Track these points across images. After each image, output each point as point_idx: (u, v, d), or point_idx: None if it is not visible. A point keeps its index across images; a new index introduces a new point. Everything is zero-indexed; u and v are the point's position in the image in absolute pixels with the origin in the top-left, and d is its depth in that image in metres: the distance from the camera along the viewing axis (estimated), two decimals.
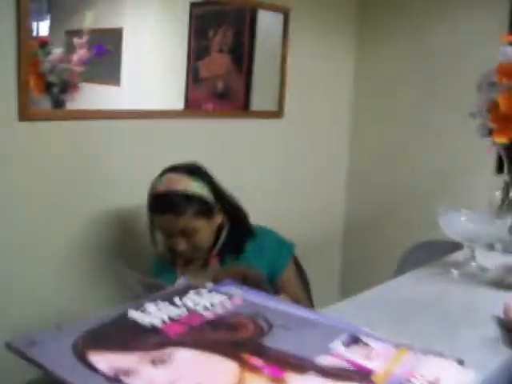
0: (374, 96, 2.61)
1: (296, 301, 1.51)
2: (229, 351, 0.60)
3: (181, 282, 1.28)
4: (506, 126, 1.24)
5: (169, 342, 0.61)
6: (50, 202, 1.62)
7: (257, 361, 0.59)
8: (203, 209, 1.45)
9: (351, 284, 2.69)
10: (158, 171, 1.50)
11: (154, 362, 0.57)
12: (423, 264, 1.39)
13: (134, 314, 0.68)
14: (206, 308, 0.71)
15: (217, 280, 1.28)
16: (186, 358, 0.59)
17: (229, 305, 0.73)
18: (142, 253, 1.69)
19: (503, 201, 1.41)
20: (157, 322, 0.66)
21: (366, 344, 0.65)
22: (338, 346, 0.64)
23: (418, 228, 2.35)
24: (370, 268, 2.56)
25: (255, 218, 1.60)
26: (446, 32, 2.35)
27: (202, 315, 0.69)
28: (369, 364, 0.61)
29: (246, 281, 1.33)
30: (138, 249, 1.75)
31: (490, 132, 1.35)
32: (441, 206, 1.29)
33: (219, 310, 0.71)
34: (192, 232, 1.44)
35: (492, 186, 2.17)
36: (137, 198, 1.62)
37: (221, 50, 2.04)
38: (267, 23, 2.17)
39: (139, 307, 0.69)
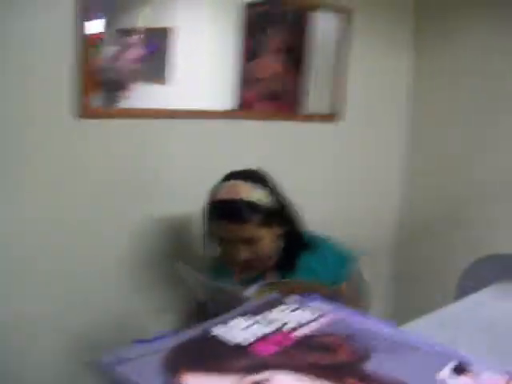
0: (434, 96, 2.52)
1: None
2: (332, 376, 0.55)
3: (251, 290, 1.24)
4: None
5: (265, 365, 0.56)
6: (103, 202, 1.59)
7: None
8: (267, 218, 1.40)
9: (401, 295, 2.61)
10: (209, 173, 1.46)
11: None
12: (490, 279, 1.31)
13: (219, 331, 0.63)
14: (295, 326, 0.66)
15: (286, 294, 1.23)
16: (287, 383, 0.53)
17: (319, 323, 0.67)
18: (195, 258, 1.64)
19: None
20: (245, 341, 0.61)
21: (476, 374, 0.59)
22: (446, 375, 0.58)
23: (480, 239, 2.26)
24: (425, 280, 2.48)
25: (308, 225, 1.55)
26: None
27: (292, 334, 0.64)
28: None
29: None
30: (191, 254, 1.72)
31: None
32: None
33: (310, 329, 0.65)
34: (255, 241, 1.39)
35: None
36: (188, 201, 1.58)
37: (276, 51, 1.99)
38: (325, 24, 2.11)
39: (223, 323, 0.64)
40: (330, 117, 2.20)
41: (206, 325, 0.64)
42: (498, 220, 2.27)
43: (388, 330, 0.67)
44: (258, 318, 0.67)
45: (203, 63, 1.80)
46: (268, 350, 0.59)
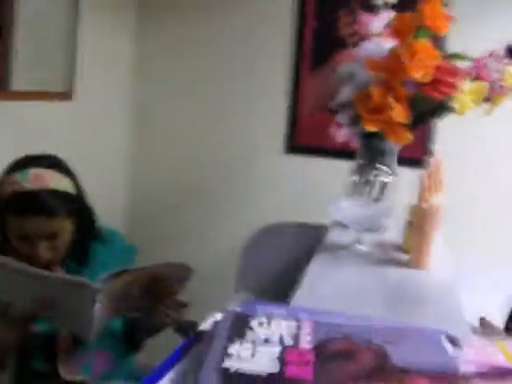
0: (158, 77, 2.61)
1: None
2: (389, 380, 0.52)
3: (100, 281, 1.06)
4: (377, 115, 1.33)
5: None
6: None
7: (422, 381, 0.52)
8: (72, 208, 1.26)
9: None
10: None
11: None
12: (275, 247, 1.42)
13: (236, 365, 0.54)
14: (293, 341, 0.60)
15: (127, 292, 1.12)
16: None
17: (310, 331, 0.63)
18: None
19: (359, 184, 1.51)
20: (275, 368, 0.53)
21: (468, 343, 0.64)
22: (453, 349, 0.61)
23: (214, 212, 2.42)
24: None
25: None
26: (237, 14, 2.45)
27: (300, 348, 0.58)
28: (499, 361, 0.59)
29: (165, 281, 1.19)
30: None
31: (355, 121, 1.44)
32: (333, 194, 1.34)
33: (310, 339, 0.61)
34: (58, 235, 1.24)
35: (281, 166, 2.42)
36: None
37: None
38: None
39: (223, 353, 0.55)
40: (60, 95, 2.10)
41: (208, 358, 0.54)
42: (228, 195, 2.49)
43: (363, 321, 0.67)
44: (248, 339, 0.59)
45: None
46: (305, 372, 0.53)
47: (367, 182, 1.49)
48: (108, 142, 2.49)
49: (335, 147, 2.34)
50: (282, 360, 0.55)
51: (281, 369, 0.53)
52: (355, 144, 1.55)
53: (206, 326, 0.66)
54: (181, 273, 1.21)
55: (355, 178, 1.50)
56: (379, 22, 1.48)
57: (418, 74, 1.27)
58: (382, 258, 1.28)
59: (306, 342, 0.59)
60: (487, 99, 1.35)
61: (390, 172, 1.48)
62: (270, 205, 2.42)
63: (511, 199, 2.20)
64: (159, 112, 2.62)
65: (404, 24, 1.27)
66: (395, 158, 1.50)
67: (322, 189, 2.34)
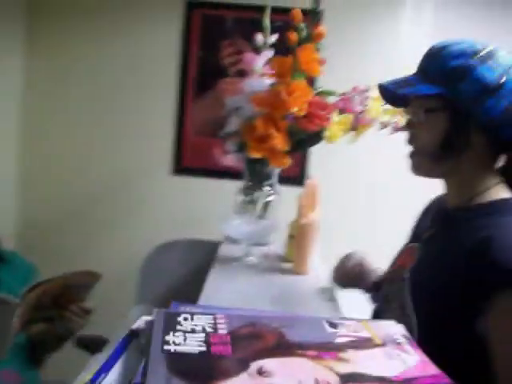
0: (46, 96, 2.63)
1: None
2: (288, 353, 0.71)
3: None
4: (261, 144, 1.54)
5: (244, 359, 0.68)
6: None
7: (311, 353, 0.72)
8: None
9: None
10: None
11: (259, 373, 0.64)
12: (172, 262, 1.59)
13: (176, 348, 0.70)
14: (213, 328, 0.77)
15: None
16: (274, 366, 0.67)
17: (223, 322, 0.80)
18: None
19: (246, 202, 1.72)
20: (203, 348, 0.70)
21: (341, 324, 0.84)
22: (331, 329, 0.81)
23: (100, 230, 2.52)
24: None
25: None
26: (125, 40, 2.57)
27: (219, 334, 0.75)
28: (363, 334, 0.80)
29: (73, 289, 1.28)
30: None
31: (241, 148, 1.64)
32: (223, 212, 1.52)
33: (227, 327, 0.78)
34: None
35: (169, 186, 2.58)
36: None
37: None
38: None
39: (163, 343, 0.71)
40: None
41: (152, 346, 0.69)
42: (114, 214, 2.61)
43: (263, 313, 0.86)
44: (178, 330, 0.75)
45: None
46: (225, 349, 0.70)
47: (253, 201, 1.69)
48: None
49: (219, 168, 2.55)
50: (207, 342, 0.71)
51: (207, 348, 0.70)
52: (241, 167, 1.74)
53: (138, 325, 0.81)
54: (88, 279, 1.32)
55: (242, 197, 1.69)
56: (261, 60, 1.69)
57: (295, 109, 1.49)
58: (269, 267, 1.49)
59: (223, 329, 0.76)
60: (354, 128, 1.61)
61: (272, 192, 1.69)
62: (160, 224, 2.56)
63: (374, 213, 2.54)
64: (48, 137, 2.67)
65: (284, 67, 1.49)
66: (276, 180, 1.72)
67: (209, 207, 2.53)
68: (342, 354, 0.71)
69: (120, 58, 2.63)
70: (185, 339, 0.72)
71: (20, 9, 2.56)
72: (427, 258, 1.14)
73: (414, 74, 1.15)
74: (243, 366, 0.65)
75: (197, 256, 1.81)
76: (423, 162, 1.13)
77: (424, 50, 1.16)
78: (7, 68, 2.55)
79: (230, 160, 1.72)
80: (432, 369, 0.70)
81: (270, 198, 1.67)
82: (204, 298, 1.17)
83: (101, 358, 1.43)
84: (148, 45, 2.62)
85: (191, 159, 2.72)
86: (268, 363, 0.67)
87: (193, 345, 0.70)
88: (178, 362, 0.65)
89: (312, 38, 1.48)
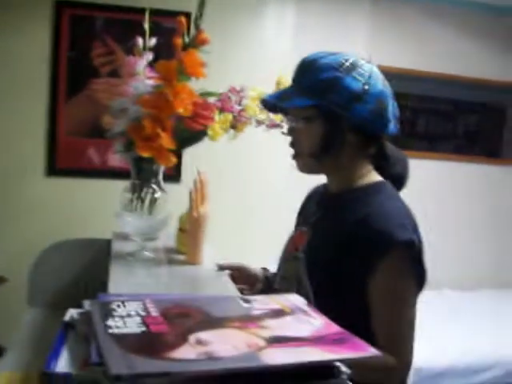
0: None
1: None
2: (216, 326, 0.83)
3: None
4: (148, 143, 1.61)
5: (181, 333, 0.78)
6: None
7: (237, 324, 0.84)
8: None
9: None
10: None
11: (199, 343, 0.75)
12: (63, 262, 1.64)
13: (116, 330, 0.78)
14: (145, 312, 0.86)
15: None
16: (209, 336, 0.78)
17: (152, 305, 0.89)
18: None
19: (134, 200, 1.78)
20: (142, 328, 0.79)
21: (254, 300, 0.97)
22: (246, 304, 0.94)
23: None
24: None
25: None
26: None
27: (152, 316, 0.85)
28: (274, 306, 0.94)
29: None
30: None
31: (128, 147, 1.71)
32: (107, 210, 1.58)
33: (157, 310, 0.87)
34: None
35: (44, 188, 2.53)
36: None
37: None
38: None
39: (106, 327, 0.79)
40: None
41: (96, 330, 0.77)
42: None
43: (182, 296, 0.96)
44: (115, 316, 0.83)
45: None
46: (162, 328, 0.80)
47: (140, 198, 1.76)
48: None
49: (93, 168, 2.57)
50: (144, 324, 0.80)
51: (146, 328, 0.79)
52: (127, 166, 1.80)
53: (70, 315, 0.87)
54: None
55: (129, 195, 1.75)
56: (142, 63, 1.76)
57: (180, 110, 1.58)
58: (164, 259, 1.57)
59: (154, 312, 0.85)
60: (233, 127, 1.74)
61: (158, 189, 1.77)
62: (41, 226, 2.51)
63: (259, 205, 2.72)
64: None
65: (169, 70, 1.57)
66: (161, 177, 1.80)
67: (88, 207, 2.53)
68: (261, 323, 0.84)
69: None
70: (124, 323, 0.80)
71: None
72: (317, 237, 1.31)
73: (291, 87, 1.32)
74: (183, 339, 0.75)
75: (86, 255, 1.84)
76: (306, 162, 1.31)
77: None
78: None
79: (119, 160, 1.77)
80: (335, 328, 0.85)
81: (156, 195, 1.75)
82: (112, 292, 1.23)
83: (3, 362, 1.43)
84: (17, 45, 2.55)
85: (66, 160, 2.69)
86: (203, 335, 0.78)
87: (133, 326, 0.79)
88: (126, 341, 0.74)
89: (196, 43, 1.58)
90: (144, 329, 0.78)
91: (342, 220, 1.28)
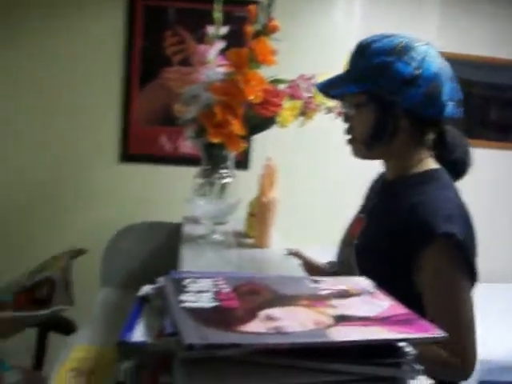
0: None
1: None
2: (285, 304, 0.85)
3: None
4: (220, 129, 1.65)
5: (251, 309, 0.81)
6: None
7: (305, 302, 0.86)
8: None
9: None
10: None
11: (268, 318, 0.78)
12: (136, 244, 1.71)
13: (190, 304, 0.82)
14: (218, 288, 0.90)
15: None
16: (278, 313, 0.81)
17: (223, 282, 0.92)
18: None
19: (205, 185, 1.82)
20: (215, 303, 0.83)
21: (321, 281, 0.99)
22: (314, 284, 0.96)
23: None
24: None
25: None
26: (69, 33, 2.61)
27: (225, 292, 0.88)
28: (341, 287, 0.95)
29: None
30: None
31: (200, 133, 1.75)
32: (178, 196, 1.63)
33: (229, 286, 0.90)
34: None
35: (118, 173, 2.65)
36: None
37: None
38: None
39: (179, 302, 0.82)
40: None
41: (170, 304, 0.81)
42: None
43: (254, 275, 0.99)
44: (188, 291, 0.87)
45: None
46: (233, 303, 0.83)
47: (211, 183, 1.81)
48: None
49: (164, 155, 2.65)
50: (216, 299, 0.84)
51: (218, 303, 0.82)
52: (199, 152, 1.85)
53: (145, 291, 0.92)
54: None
55: (200, 180, 1.81)
56: (213, 51, 1.80)
57: (251, 97, 1.61)
58: (233, 243, 1.62)
59: (225, 288, 0.89)
60: (303, 113, 1.76)
61: (228, 174, 1.81)
62: (116, 210, 2.63)
63: (326, 194, 2.73)
64: None
65: (240, 57, 1.61)
66: (232, 163, 1.84)
67: (160, 192, 2.62)
68: (329, 302, 0.85)
69: (66, 49, 2.67)
70: (196, 298, 0.84)
71: None
72: (370, 224, 1.32)
73: (344, 73, 1.31)
74: (253, 314, 0.78)
75: (156, 238, 1.91)
76: (360, 149, 1.31)
77: (357, 38, 1.33)
78: None
79: (186, 146, 1.82)
80: (402, 309, 0.86)
81: (226, 180, 1.79)
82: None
83: (78, 336, 1.52)
84: (93, 35, 2.67)
85: (138, 147, 2.79)
86: (272, 311, 0.80)
87: (205, 301, 0.82)
88: (199, 315, 0.77)
89: (267, 31, 1.60)
90: (216, 304, 0.81)
91: (393, 208, 1.27)
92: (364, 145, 1.29)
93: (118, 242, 1.89)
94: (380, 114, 1.25)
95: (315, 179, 2.85)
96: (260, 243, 1.60)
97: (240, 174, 1.76)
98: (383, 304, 0.88)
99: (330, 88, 1.31)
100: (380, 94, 1.23)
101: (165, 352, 0.75)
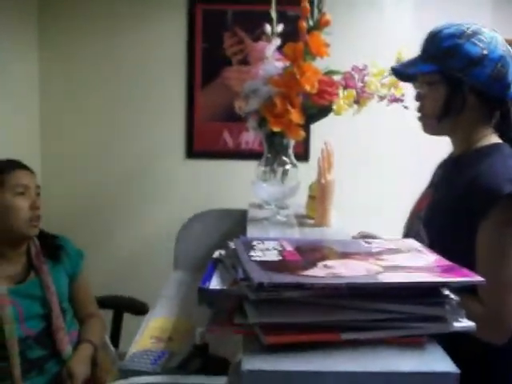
0: (63, 97, 2.87)
1: (90, 301, 1.85)
2: (341, 257, 0.97)
3: None
4: (280, 119, 1.78)
5: (312, 261, 0.93)
6: None
7: (358, 257, 0.98)
8: None
9: None
10: None
11: (326, 267, 0.90)
12: (206, 229, 1.86)
13: (257, 258, 0.95)
14: (281, 247, 1.03)
15: None
16: (334, 263, 0.93)
17: (287, 243, 1.06)
18: None
19: (268, 171, 1.95)
20: (278, 257, 0.96)
21: (373, 242, 1.10)
22: (367, 244, 1.07)
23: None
24: None
25: None
26: (133, 37, 2.82)
27: (288, 250, 1.01)
28: (392, 246, 1.06)
29: None
30: None
31: (261, 124, 1.89)
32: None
33: (291, 245, 1.04)
34: None
35: (186, 168, 2.84)
36: None
37: None
38: None
39: (249, 257, 0.96)
40: None
41: (242, 258, 0.95)
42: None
43: (314, 238, 1.12)
44: (256, 249, 1.01)
45: None
46: (296, 257, 0.96)
47: (273, 170, 1.94)
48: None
49: (227, 150, 2.81)
50: (280, 255, 0.97)
51: (282, 257, 0.96)
52: (261, 141, 1.98)
53: (217, 255, 1.06)
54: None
55: (263, 167, 1.94)
56: (271, 47, 1.93)
57: (307, 87, 1.73)
58: (295, 223, 1.75)
59: (289, 247, 1.02)
60: (356, 102, 1.86)
61: (289, 161, 1.94)
62: (185, 201, 2.82)
63: (380, 177, 2.83)
64: (65, 126, 2.91)
65: (296, 51, 1.73)
66: (292, 151, 1.96)
67: (222, 185, 2.79)
68: (380, 257, 0.97)
69: (133, 53, 2.87)
70: (264, 254, 0.97)
71: (32, 13, 2.79)
72: (436, 197, 1.41)
73: (418, 56, 1.43)
74: (313, 264, 0.91)
75: (224, 224, 2.07)
76: (429, 124, 1.42)
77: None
78: (22, 73, 2.77)
79: (247, 142, 1.96)
80: (446, 262, 0.96)
81: (287, 167, 1.92)
82: None
83: (154, 311, 1.68)
84: (157, 39, 2.87)
85: (202, 143, 2.97)
86: (330, 262, 0.93)
87: (271, 256, 0.96)
88: (266, 265, 0.91)
89: (319, 26, 1.73)
90: (280, 257, 0.95)
91: (458, 180, 1.36)
92: (435, 119, 1.40)
93: (188, 229, 2.06)
94: (449, 92, 1.36)
95: (371, 166, 2.94)
96: (320, 222, 1.72)
97: (300, 165, 1.89)
98: (429, 258, 0.98)
99: (405, 68, 1.44)
100: (450, 73, 1.34)
101: (238, 296, 0.89)
